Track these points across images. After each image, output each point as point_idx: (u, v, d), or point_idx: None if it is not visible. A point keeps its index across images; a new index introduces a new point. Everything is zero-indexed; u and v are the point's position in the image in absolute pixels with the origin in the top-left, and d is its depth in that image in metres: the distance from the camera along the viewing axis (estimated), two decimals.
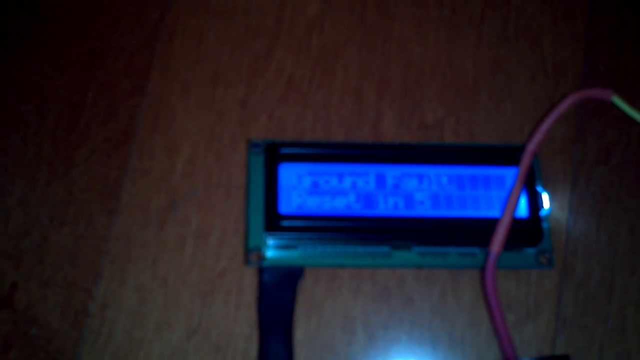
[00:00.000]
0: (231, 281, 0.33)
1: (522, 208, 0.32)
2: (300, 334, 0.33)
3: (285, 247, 0.32)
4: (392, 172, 0.32)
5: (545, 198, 0.33)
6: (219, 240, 0.34)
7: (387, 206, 0.32)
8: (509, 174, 0.33)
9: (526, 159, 0.32)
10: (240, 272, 0.33)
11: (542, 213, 0.33)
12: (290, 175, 0.32)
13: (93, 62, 0.37)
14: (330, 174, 0.32)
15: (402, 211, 0.32)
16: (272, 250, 0.32)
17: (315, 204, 0.32)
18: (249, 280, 0.33)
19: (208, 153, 0.35)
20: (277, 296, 0.32)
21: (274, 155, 0.32)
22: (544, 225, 0.33)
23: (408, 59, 0.37)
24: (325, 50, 0.37)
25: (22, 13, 0.38)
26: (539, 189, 0.33)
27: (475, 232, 0.32)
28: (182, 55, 0.37)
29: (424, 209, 0.32)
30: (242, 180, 0.35)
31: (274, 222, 0.31)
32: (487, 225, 0.32)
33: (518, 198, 0.32)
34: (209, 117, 0.36)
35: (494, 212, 0.32)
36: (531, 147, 0.33)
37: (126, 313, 0.33)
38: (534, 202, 0.32)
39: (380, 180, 0.32)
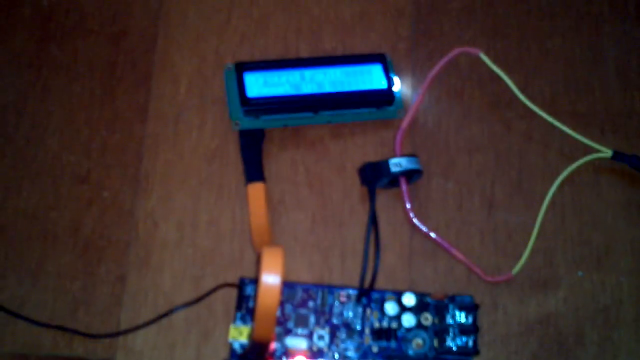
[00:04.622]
0: (222, 150, 0.56)
1: (384, 82, 0.56)
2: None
3: (253, 116, 0.55)
4: (309, 71, 0.56)
5: (397, 80, 0.57)
6: (211, 127, 0.57)
7: (309, 88, 0.55)
8: (374, 69, 0.56)
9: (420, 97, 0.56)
10: (226, 139, 0.56)
11: (395, 88, 0.57)
12: (252, 78, 0.55)
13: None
14: (277, 75, 0.55)
15: (317, 91, 0.55)
16: (245, 120, 0.55)
17: (269, 91, 0.55)
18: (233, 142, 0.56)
19: (201, 77, 0.58)
20: (251, 147, 0.55)
21: (241, 69, 0.55)
22: (397, 93, 0.57)
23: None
24: None
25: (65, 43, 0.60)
26: (392, 75, 0.57)
27: (358, 99, 0.55)
28: (177, 25, 0.60)
29: (329, 89, 0.55)
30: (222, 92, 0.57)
31: (245, 101, 0.54)
32: (365, 95, 0.55)
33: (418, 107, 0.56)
34: (198, 59, 0.59)
35: (365, 87, 0.56)
36: (422, 90, 0.56)
37: (163, 183, 0.56)
38: (389, 81, 0.56)
39: (303, 76, 0.56)
